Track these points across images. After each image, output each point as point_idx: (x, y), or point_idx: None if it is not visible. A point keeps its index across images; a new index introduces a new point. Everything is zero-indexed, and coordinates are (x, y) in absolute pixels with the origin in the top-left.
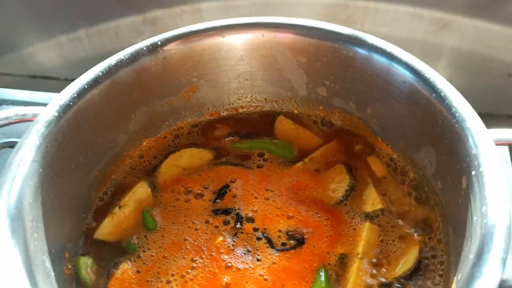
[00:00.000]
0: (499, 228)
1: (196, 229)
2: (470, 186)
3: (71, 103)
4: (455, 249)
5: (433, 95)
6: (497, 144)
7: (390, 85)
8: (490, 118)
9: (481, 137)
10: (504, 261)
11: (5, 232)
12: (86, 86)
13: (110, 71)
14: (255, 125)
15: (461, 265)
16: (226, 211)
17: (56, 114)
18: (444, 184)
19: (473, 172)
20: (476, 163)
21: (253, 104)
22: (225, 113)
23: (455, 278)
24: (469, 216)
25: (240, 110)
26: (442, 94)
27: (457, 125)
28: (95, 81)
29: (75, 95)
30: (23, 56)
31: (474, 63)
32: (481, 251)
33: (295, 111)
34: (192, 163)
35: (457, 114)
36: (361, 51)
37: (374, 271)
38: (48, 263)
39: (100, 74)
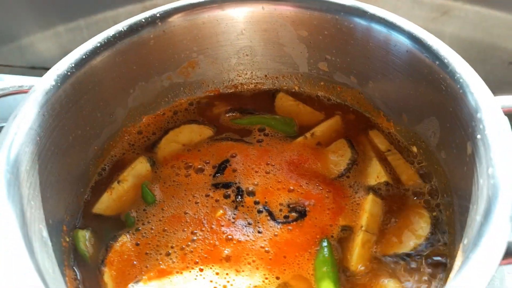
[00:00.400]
0: (506, 186)
1: (196, 203)
2: (476, 150)
3: (69, 73)
4: (460, 218)
5: (437, 62)
6: (504, 112)
7: (392, 56)
8: None
9: (485, 101)
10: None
11: (1, 195)
12: (84, 57)
13: (108, 42)
14: (255, 102)
15: (467, 229)
16: (227, 185)
17: (53, 83)
18: (448, 153)
19: (478, 136)
20: (481, 126)
21: (253, 81)
22: (225, 90)
23: (461, 244)
24: (475, 181)
25: (240, 88)
26: (446, 61)
27: (461, 91)
28: (94, 52)
29: (73, 65)
30: (22, 47)
31: (475, 50)
32: (488, 211)
33: (296, 88)
34: (192, 139)
35: (461, 80)
36: (362, 22)
37: (380, 245)
38: (45, 233)
39: (99, 45)
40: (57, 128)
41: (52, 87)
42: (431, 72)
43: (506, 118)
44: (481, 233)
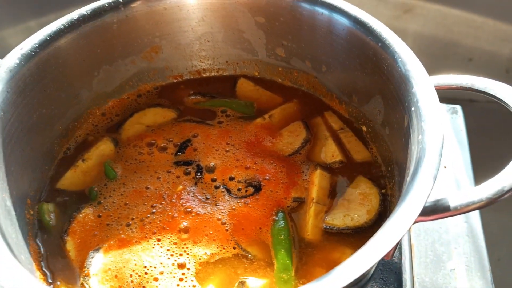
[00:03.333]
0: (431, 149)
1: (158, 178)
2: (410, 122)
3: (33, 53)
4: (400, 188)
5: (379, 44)
6: (437, 89)
7: (341, 40)
8: (453, 103)
9: (419, 77)
10: (435, 177)
11: None
12: (48, 38)
13: (72, 25)
14: (217, 87)
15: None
16: (187, 163)
17: (17, 62)
18: (391, 128)
19: (413, 109)
20: (415, 99)
21: (215, 67)
22: (188, 76)
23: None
24: (410, 150)
25: (203, 73)
26: (387, 43)
27: (399, 69)
28: (57, 34)
29: (37, 45)
30: None
31: (437, 47)
32: (415, 171)
33: (256, 73)
34: (156, 121)
35: (399, 59)
36: (309, 7)
37: (332, 217)
38: (8, 202)
39: (62, 27)
40: (21, 106)
41: (16, 65)
42: (376, 53)
43: (435, 93)
44: (407, 190)
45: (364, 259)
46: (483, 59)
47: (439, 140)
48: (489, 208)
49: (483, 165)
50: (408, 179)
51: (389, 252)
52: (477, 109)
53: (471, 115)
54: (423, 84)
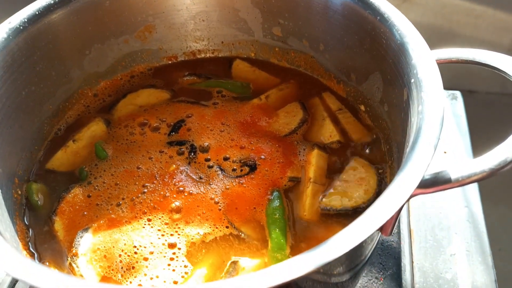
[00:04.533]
0: (431, 118)
1: (150, 158)
2: (410, 94)
3: (22, 28)
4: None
5: (378, 17)
6: (438, 63)
7: (338, 16)
8: (452, 94)
9: (419, 48)
10: (435, 146)
11: None
12: (37, 13)
13: (63, 0)
14: (213, 68)
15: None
16: (181, 143)
17: (5, 36)
18: (390, 104)
19: (412, 80)
20: (415, 71)
21: (211, 47)
22: (183, 57)
23: None
24: (409, 122)
25: (198, 55)
26: (385, 16)
27: (398, 42)
28: (47, 9)
29: (26, 20)
30: None
31: (435, 37)
32: (415, 141)
33: (252, 54)
34: (149, 102)
35: (399, 32)
36: None
37: (329, 198)
38: None
39: (52, 2)
40: (9, 81)
41: (4, 39)
42: (374, 27)
43: (435, 62)
44: (406, 160)
45: (358, 230)
46: (483, 49)
47: (439, 109)
48: (489, 200)
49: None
50: (408, 150)
51: (387, 227)
52: (477, 100)
53: (470, 106)
54: (422, 55)
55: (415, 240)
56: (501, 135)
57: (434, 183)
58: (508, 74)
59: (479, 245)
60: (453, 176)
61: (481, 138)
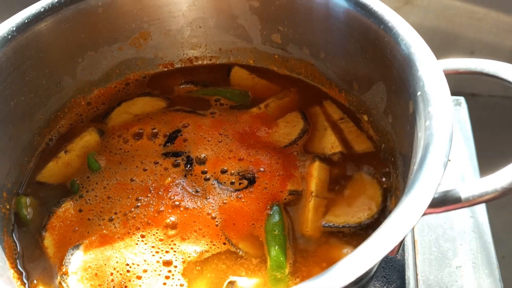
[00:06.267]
0: (440, 134)
1: (144, 169)
2: (416, 107)
3: (10, 37)
4: (404, 178)
5: (382, 26)
6: (445, 73)
7: (340, 23)
8: (456, 100)
9: (425, 60)
10: (445, 164)
11: None
12: (26, 21)
13: (53, 8)
14: (210, 75)
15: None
16: (177, 154)
17: None
18: (394, 115)
19: (419, 93)
20: (421, 84)
21: (208, 54)
22: (180, 64)
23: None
24: (416, 136)
25: (195, 62)
26: (390, 25)
27: (403, 52)
28: (37, 17)
29: (14, 29)
30: None
31: (437, 39)
32: (423, 159)
33: (251, 61)
34: (145, 110)
35: (404, 42)
36: None
37: (332, 214)
38: None
39: (42, 10)
40: None
41: None
42: (378, 36)
43: (443, 75)
44: (415, 179)
45: (367, 255)
46: (486, 52)
47: (448, 125)
48: (493, 205)
49: (488, 159)
50: (415, 167)
51: (394, 248)
52: (479, 103)
53: (473, 109)
54: (429, 67)
55: (419, 252)
56: (504, 139)
57: (443, 202)
58: None
59: (485, 257)
60: (464, 195)
61: (485, 142)
